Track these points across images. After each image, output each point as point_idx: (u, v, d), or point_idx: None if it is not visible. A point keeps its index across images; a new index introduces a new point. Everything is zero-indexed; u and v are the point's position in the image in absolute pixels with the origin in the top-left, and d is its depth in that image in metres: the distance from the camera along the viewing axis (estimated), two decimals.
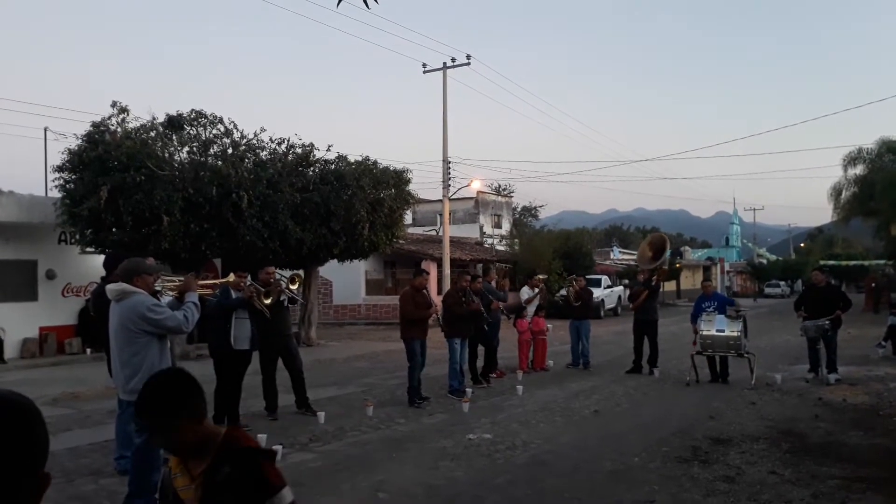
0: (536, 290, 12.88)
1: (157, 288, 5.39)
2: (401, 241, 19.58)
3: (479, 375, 10.81)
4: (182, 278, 5.62)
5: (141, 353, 4.86)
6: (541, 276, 14.10)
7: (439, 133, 24.58)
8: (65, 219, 13.86)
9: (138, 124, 14.34)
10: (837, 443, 6.82)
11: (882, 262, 43.15)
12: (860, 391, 9.74)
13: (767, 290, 58.10)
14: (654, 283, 12.17)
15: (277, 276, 8.35)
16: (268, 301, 7.70)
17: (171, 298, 5.39)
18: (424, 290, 9.28)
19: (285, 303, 8.37)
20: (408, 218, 23.37)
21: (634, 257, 12.96)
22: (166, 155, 14.10)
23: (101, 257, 14.59)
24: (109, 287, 5.07)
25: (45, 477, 1.34)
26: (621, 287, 33.26)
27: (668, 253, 13.04)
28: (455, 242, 28.75)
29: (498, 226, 40.20)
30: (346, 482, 5.65)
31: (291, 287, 8.34)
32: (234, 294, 7.52)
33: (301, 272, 13.49)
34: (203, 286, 6.32)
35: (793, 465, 5.99)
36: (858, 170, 27.81)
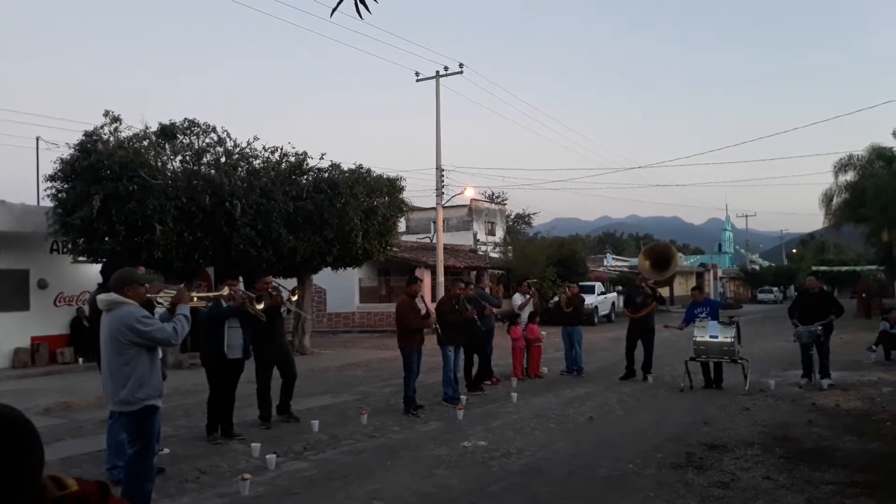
0: (528, 295, 12.90)
1: (159, 300, 5.38)
2: (394, 249, 19.57)
3: (473, 383, 10.79)
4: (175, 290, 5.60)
5: (130, 364, 4.82)
6: (531, 281, 14.09)
7: (433, 141, 24.65)
8: (57, 228, 13.80)
9: (131, 133, 14.34)
10: (831, 448, 6.84)
11: (873, 267, 43.39)
12: (853, 396, 9.78)
13: (760, 296, 58.29)
14: (658, 294, 12.20)
15: (275, 285, 8.41)
16: (260, 306, 7.69)
17: (163, 310, 5.38)
18: (419, 298, 9.27)
19: (284, 313, 8.46)
20: (401, 226, 23.37)
21: (637, 271, 12.94)
22: (159, 164, 14.08)
23: (94, 267, 14.59)
24: (100, 297, 5.05)
25: (42, 488, 1.33)
26: (615, 294, 33.31)
27: (679, 259, 13.11)
28: (449, 250, 28.77)
29: (492, 233, 40.24)
30: (341, 491, 5.62)
31: (292, 299, 8.46)
32: (224, 303, 7.48)
33: (296, 283, 13.48)
34: (196, 298, 6.30)
35: (787, 470, 6.00)
36: (849, 176, 28.04)
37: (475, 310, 10.23)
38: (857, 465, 6.14)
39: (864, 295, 32.94)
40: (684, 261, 62.30)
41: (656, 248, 13.87)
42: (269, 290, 8.13)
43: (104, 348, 4.94)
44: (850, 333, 19.53)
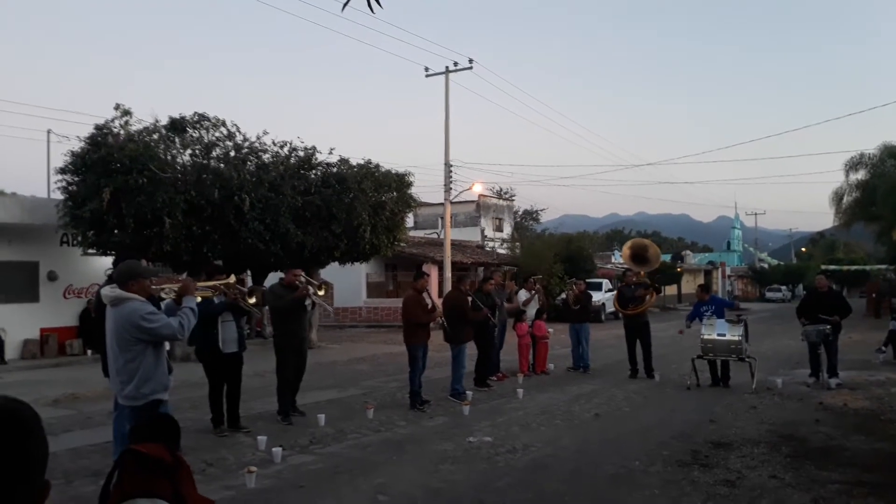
0: (533, 292, 12.88)
1: (163, 294, 5.38)
2: (402, 244, 19.59)
3: (477, 379, 10.79)
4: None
5: (136, 361, 4.82)
6: (536, 278, 14.06)
7: (441, 136, 24.61)
8: (67, 221, 13.89)
9: (141, 127, 14.40)
10: (838, 447, 6.81)
11: (883, 266, 43.08)
12: (861, 396, 9.73)
13: (769, 295, 58.03)
14: (654, 283, 12.23)
15: (304, 278, 8.48)
16: (252, 300, 7.71)
17: (169, 300, 5.38)
18: (425, 293, 9.30)
19: (309, 306, 8.55)
20: (409, 221, 23.37)
21: (627, 267, 13.07)
22: (169, 157, 14.14)
23: (104, 259, 14.67)
24: (104, 291, 5.03)
25: (46, 485, 1.33)
26: None
27: (662, 256, 13.26)
28: (456, 245, 28.75)
29: (499, 229, 40.19)
30: (347, 485, 5.64)
31: (319, 293, 8.49)
32: (216, 299, 7.46)
33: (323, 279, 13.51)
34: (203, 287, 6.31)
35: (793, 469, 5.98)
36: (860, 175, 27.79)
37: (488, 309, 10.35)
38: (864, 465, 6.11)
39: (873, 294, 32.74)
40: (693, 259, 62.07)
41: (634, 244, 13.98)
42: (298, 283, 8.22)
43: (110, 344, 4.94)
44: (859, 333, 19.43)
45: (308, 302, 8.40)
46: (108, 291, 4.92)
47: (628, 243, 13.83)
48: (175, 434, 2.58)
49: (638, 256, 12.81)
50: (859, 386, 10.63)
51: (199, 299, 5.46)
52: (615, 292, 13.07)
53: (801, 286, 58.38)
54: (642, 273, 12.40)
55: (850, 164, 27.90)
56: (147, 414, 4.92)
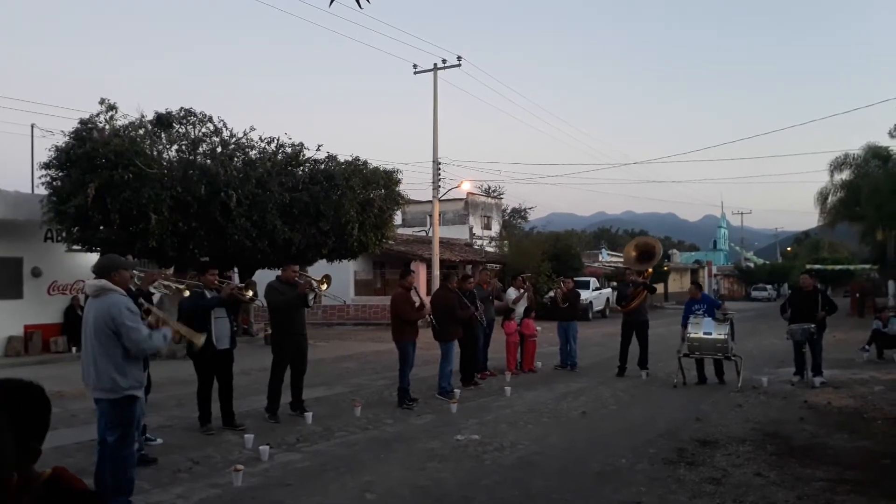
0: (522, 290, 12.91)
1: (153, 289, 5.37)
2: (390, 242, 19.57)
3: (464, 378, 10.80)
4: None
5: (114, 353, 4.78)
6: (525, 276, 14.10)
7: (430, 134, 24.60)
8: (51, 216, 13.75)
9: (127, 122, 14.28)
10: (822, 445, 6.87)
11: (867, 266, 43.53)
12: (845, 394, 9.82)
13: (754, 294, 58.48)
14: (648, 283, 12.32)
15: (301, 273, 8.41)
16: (249, 294, 7.67)
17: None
18: (413, 289, 9.29)
19: (311, 301, 8.50)
20: (397, 218, 23.32)
21: (622, 258, 13.25)
22: (155, 153, 14.03)
23: (88, 256, 14.54)
24: (89, 283, 5.03)
25: (37, 452, 1.65)
26: (609, 289, 33.34)
27: (659, 257, 13.37)
28: (444, 243, 28.75)
29: (487, 227, 40.22)
30: (334, 482, 5.63)
31: (322, 287, 8.38)
32: (208, 294, 7.39)
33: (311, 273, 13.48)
34: (173, 280, 6.30)
35: (778, 467, 6.03)
36: (845, 175, 28.10)
37: (473, 306, 10.35)
38: (847, 463, 6.17)
39: (857, 294, 33.04)
40: (680, 258, 62.42)
41: (641, 243, 14.07)
42: (296, 277, 8.17)
43: (88, 335, 4.88)
44: (843, 332, 19.61)
45: (311, 296, 8.34)
46: (93, 283, 4.90)
47: (632, 243, 13.93)
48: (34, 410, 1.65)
49: (645, 254, 12.95)
50: (843, 384, 10.73)
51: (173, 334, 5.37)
52: (617, 290, 13.22)
53: (786, 285, 58.86)
54: (649, 272, 12.54)
55: (834, 165, 28.21)
56: (124, 407, 4.87)
